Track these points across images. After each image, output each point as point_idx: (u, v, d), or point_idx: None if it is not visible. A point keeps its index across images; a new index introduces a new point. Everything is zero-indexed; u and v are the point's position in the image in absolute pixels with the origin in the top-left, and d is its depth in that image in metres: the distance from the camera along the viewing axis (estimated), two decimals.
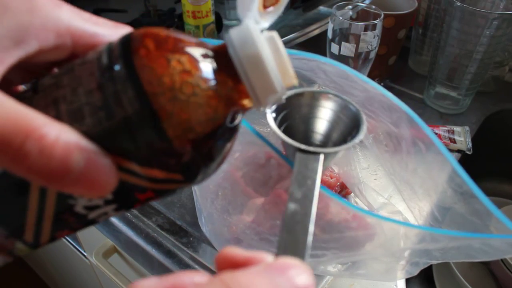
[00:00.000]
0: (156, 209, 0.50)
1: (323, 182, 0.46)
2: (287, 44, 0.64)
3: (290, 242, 0.18)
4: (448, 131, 0.62)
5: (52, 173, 0.15)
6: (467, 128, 0.63)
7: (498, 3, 0.61)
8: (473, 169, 0.74)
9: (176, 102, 0.16)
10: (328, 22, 0.60)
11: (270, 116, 0.26)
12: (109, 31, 0.20)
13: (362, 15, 0.62)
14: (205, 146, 0.18)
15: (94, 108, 0.16)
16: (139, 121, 0.16)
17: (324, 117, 0.28)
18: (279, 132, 0.25)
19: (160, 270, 0.47)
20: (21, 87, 0.20)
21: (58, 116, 0.16)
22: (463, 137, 0.61)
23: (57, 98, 0.17)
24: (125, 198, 0.19)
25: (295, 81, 0.19)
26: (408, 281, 0.50)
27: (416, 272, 0.34)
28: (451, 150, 0.60)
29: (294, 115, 0.28)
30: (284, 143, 0.25)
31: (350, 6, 0.60)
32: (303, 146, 0.24)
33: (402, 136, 0.35)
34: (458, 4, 0.57)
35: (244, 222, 0.36)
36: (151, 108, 0.16)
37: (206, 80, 0.17)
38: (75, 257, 0.91)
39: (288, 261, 0.15)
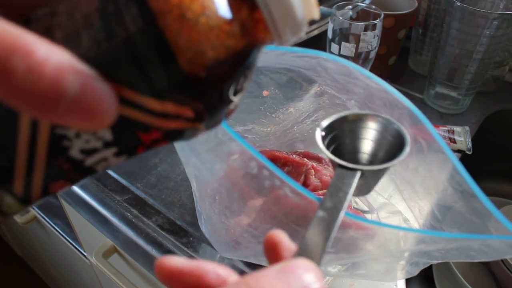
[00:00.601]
0: (156, 209, 0.50)
1: (323, 183, 0.46)
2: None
3: (311, 247, 0.19)
4: (448, 131, 0.62)
5: (42, 97, 0.13)
6: (467, 128, 0.63)
7: (498, 3, 0.61)
8: (473, 169, 0.74)
9: (184, 21, 0.15)
10: (328, 22, 0.60)
11: (319, 134, 0.27)
12: None
13: (362, 15, 0.62)
14: (218, 76, 0.16)
15: (92, 29, 0.15)
16: (143, 41, 0.15)
17: (369, 137, 0.29)
18: (323, 148, 0.27)
19: None
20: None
21: (54, 43, 0.14)
22: (463, 137, 0.61)
23: (52, 26, 0.15)
24: (126, 139, 0.17)
25: (316, 13, 0.18)
26: (408, 281, 0.50)
27: (416, 272, 0.34)
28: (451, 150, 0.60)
29: (343, 136, 0.29)
30: (330, 160, 0.27)
31: (350, 6, 0.60)
32: (341, 162, 0.25)
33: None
34: (458, 4, 0.57)
35: (242, 225, 0.36)
36: (156, 26, 0.14)
37: (217, 1, 0.15)
38: (75, 257, 0.91)
39: (305, 263, 0.16)
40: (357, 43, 0.57)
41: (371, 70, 0.63)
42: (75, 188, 0.54)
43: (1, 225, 1.38)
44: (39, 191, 0.17)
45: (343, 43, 0.58)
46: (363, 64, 0.60)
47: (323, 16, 0.64)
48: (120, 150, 0.17)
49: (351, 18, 0.61)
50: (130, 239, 0.48)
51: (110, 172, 0.55)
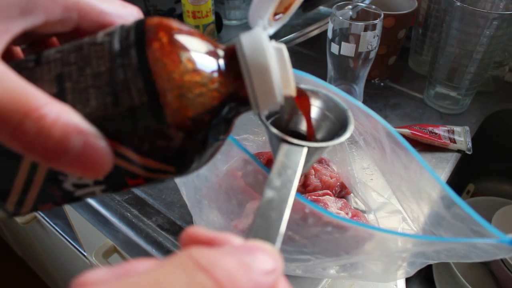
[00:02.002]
0: (156, 209, 0.50)
1: (323, 183, 0.46)
2: (287, 44, 0.64)
3: (263, 227, 0.18)
4: (448, 131, 0.62)
5: (48, 153, 0.15)
6: (467, 128, 0.63)
7: (498, 3, 0.61)
8: (473, 169, 0.75)
9: (183, 99, 0.17)
10: (328, 22, 0.60)
11: None
12: (116, 9, 0.20)
13: (362, 15, 0.62)
14: (200, 140, 0.18)
15: (100, 92, 0.16)
16: (144, 113, 0.16)
17: (312, 114, 0.29)
18: (266, 122, 0.26)
19: None
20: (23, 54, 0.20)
21: (61, 93, 0.16)
22: (463, 137, 0.61)
23: (62, 74, 0.17)
24: (115, 181, 0.19)
25: (293, 93, 0.20)
26: (408, 281, 0.50)
27: (413, 272, 0.34)
28: (451, 150, 0.60)
29: (284, 110, 0.29)
30: (269, 133, 0.26)
31: (350, 6, 0.60)
32: (288, 138, 0.24)
33: (383, 142, 0.35)
34: (458, 4, 0.57)
35: (234, 231, 0.36)
36: (158, 102, 0.16)
37: (212, 81, 0.18)
38: (75, 257, 0.91)
39: (258, 244, 0.15)
40: (357, 43, 0.57)
41: (371, 70, 0.64)
42: None
43: (1, 225, 1.38)
44: (28, 209, 0.20)
45: (343, 43, 0.58)
46: (363, 64, 0.60)
47: (323, 16, 0.64)
48: (107, 188, 0.19)
49: (351, 18, 0.61)
50: (130, 239, 0.48)
51: None
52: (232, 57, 0.19)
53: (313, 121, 0.29)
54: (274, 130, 0.25)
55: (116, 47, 0.17)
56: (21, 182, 0.18)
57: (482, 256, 0.28)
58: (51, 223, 0.92)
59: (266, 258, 0.14)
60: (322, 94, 0.29)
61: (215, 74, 0.18)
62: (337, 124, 0.28)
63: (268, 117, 0.27)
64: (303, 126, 0.29)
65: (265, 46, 0.18)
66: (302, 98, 0.27)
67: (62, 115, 0.15)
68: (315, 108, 0.29)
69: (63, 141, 0.15)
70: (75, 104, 0.16)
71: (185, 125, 0.17)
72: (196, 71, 0.17)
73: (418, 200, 0.35)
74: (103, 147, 0.16)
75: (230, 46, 0.19)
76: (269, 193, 0.20)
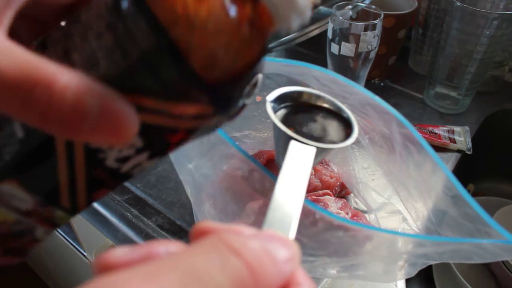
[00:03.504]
0: (156, 209, 0.50)
1: (323, 183, 0.46)
2: (287, 44, 0.64)
3: (277, 219, 0.18)
4: (448, 131, 0.62)
5: (66, 121, 0.14)
6: (467, 128, 0.63)
7: (498, 3, 0.61)
8: (473, 169, 0.75)
9: (194, 30, 0.15)
10: (328, 22, 0.60)
11: (269, 105, 0.27)
12: None
13: (362, 15, 0.62)
14: (230, 70, 0.16)
15: (107, 50, 0.15)
16: (157, 55, 0.15)
17: (318, 117, 0.30)
18: (276, 120, 0.26)
19: None
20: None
21: (72, 66, 0.15)
22: (463, 137, 0.61)
23: (68, 48, 0.16)
24: (156, 143, 0.18)
25: None
26: (408, 281, 0.50)
27: (414, 272, 0.34)
28: (451, 150, 0.60)
29: (293, 111, 0.29)
30: (279, 132, 0.26)
31: (350, 6, 0.60)
32: (298, 137, 0.24)
33: (395, 139, 0.35)
34: (458, 4, 0.57)
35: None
36: (168, 39, 0.15)
37: (221, 3, 0.16)
38: (75, 257, 0.91)
39: (274, 233, 0.15)
40: (357, 43, 0.57)
41: (371, 70, 0.64)
42: None
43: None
44: (84, 201, 0.19)
45: (343, 43, 0.58)
46: (363, 64, 0.60)
47: (323, 16, 0.64)
48: (152, 153, 0.18)
49: (351, 18, 0.61)
50: (130, 239, 0.48)
51: None
52: None
53: (320, 125, 0.29)
54: (285, 129, 0.25)
55: (111, 1, 0.16)
56: (64, 171, 0.17)
57: (486, 257, 0.28)
58: None
59: (284, 246, 0.15)
60: (327, 99, 0.29)
61: None
62: (342, 129, 0.29)
63: (278, 116, 0.28)
64: (312, 126, 0.30)
65: None
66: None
67: (73, 80, 0.14)
68: (322, 112, 0.29)
69: (78, 105, 0.14)
70: (86, 71, 0.15)
71: (206, 57, 0.15)
72: None
73: (426, 199, 0.35)
74: (122, 105, 0.15)
75: None
76: (279, 194, 0.20)
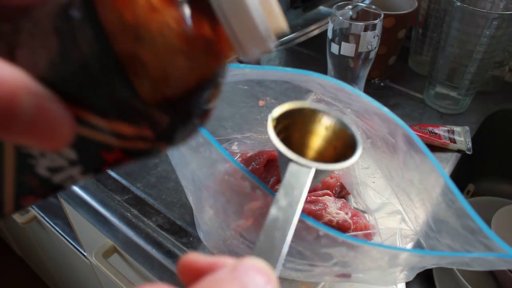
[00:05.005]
0: (156, 209, 0.50)
1: (323, 183, 0.46)
2: (287, 44, 0.64)
3: (266, 247, 0.19)
4: (448, 131, 0.62)
5: None
6: (467, 128, 0.63)
7: (498, 3, 0.61)
8: (473, 169, 0.75)
9: (140, 43, 0.14)
10: (328, 22, 0.60)
11: (270, 124, 0.26)
12: None
13: (362, 15, 0.62)
14: (178, 97, 0.15)
15: (49, 50, 0.14)
16: (98, 64, 0.14)
17: (320, 134, 0.29)
18: (275, 140, 0.26)
19: (160, 270, 0.47)
20: None
21: (14, 62, 0.14)
22: (463, 137, 0.61)
23: (14, 43, 0.15)
24: (91, 159, 0.17)
25: (283, 25, 0.16)
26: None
27: (412, 276, 0.35)
28: (451, 150, 0.60)
29: (293, 127, 0.28)
30: (278, 152, 0.25)
31: (350, 6, 0.60)
32: (297, 158, 0.24)
33: (399, 147, 0.35)
34: (458, 4, 0.57)
35: (238, 237, 0.36)
36: (110, 49, 0.14)
37: (177, 19, 0.15)
38: (75, 257, 0.91)
39: (257, 263, 0.16)
40: (357, 43, 0.57)
41: (371, 70, 0.64)
42: (75, 188, 0.54)
43: (1, 225, 1.37)
44: (11, 206, 0.18)
45: (343, 43, 0.58)
46: (363, 64, 0.60)
47: (323, 16, 0.64)
48: (85, 169, 0.17)
49: (351, 18, 0.61)
50: (130, 239, 0.48)
51: (110, 172, 0.55)
52: None
53: (322, 142, 0.29)
54: (283, 149, 0.25)
55: (62, 1, 0.14)
56: None
57: (485, 265, 0.28)
58: (51, 223, 0.92)
59: (258, 276, 0.15)
60: (332, 115, 0.28)
61: (181, 13, 0.15)
62: (345, 145, 0.28)
63: (277, 135, 0.27)
64: (312, 144, 0.29)
65: None
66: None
67: (8, 74, 0.13)
68: (324, 128, 0.29)
69: (11, 101, 0.13)
70: (28, 69, 0.14)
71: (150, 74, 0.14)
72: (153, 8, 0.14)
73: (427, 207, 0.35)
74: (58, 108, 0.14)
75: None
76: (274, 212, 0.20)
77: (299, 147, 0.28)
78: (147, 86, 0.14)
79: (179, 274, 0.16)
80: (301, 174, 0.23)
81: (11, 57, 0.15)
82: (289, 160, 0.24)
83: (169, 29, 0.14)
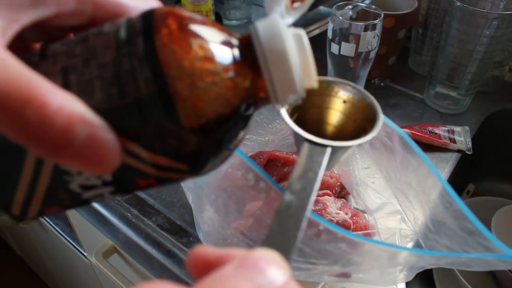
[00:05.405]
0: (156, 209, 0.50)
1: (323, 183, 0.46)
2: None
3: (279, 236, 0.17)
4: (448, 131, 0.62)
5: (51, 144, 0.14)
6: (467, 128, 0.63)
7: (498, 3, 0.61)
8: (473, 169, 0.75)
9: (194, 89, 0.16)
10: (328, 22, 0.60)
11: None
12: (134, 2, 0.19)
13: (362, 15, 0.62)
14: (215, 136, 0.17)
15: (106, 83, 0.15)
16: (152, 103, 0.15)
17: (337, 107, 0.27)
18: (289, 121, 0.24)
19: (160, 270, 0.47)
20: (36, 45, 0.19)
21: (65, 86, 0.15)
22: (463, 137, 0.61)
23: (67, 67, 0.16)
24: (124, 182, 0.18)
25: (315, 84, 0.18)
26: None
27: (412, 276, 0.35)
28: (451, 150, 0.60)
29: (308, 105, 0.27)
30: (293, 132, 0.24)
31: (350, 6, 0.60)
32: (310, 137, 0.23)
33: (396, 150, 0.35)
34: (458, 4, 0.57)
35: (238, 236, 0.36)
36: (166, 91, 0.15)
37: (226, 69, 0.16)
38: (75, 257, 0.91)
39: (267, 254, 0.15)
40: (357, 43, 0.57)
41: (371, 70, 0.64)
42: None
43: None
44: (34, 214, 0.19)
45: (343, 43, 0.58)
46: (363, 64, 0.60)
47: (323, 16, 0.64)
48: (116, 189, 0.18)
49: (351, 18, 0.61)
50: (130, 239, 0.48)
51: None
52: (248, 45, 0.17)
53: (341, 116, 0.27)
54: (296, 129, 0.23)
55: (123, 36, 0.16)
56: (26, 182, 0.17)
57: (484, 266, 0.28)
58: (51, 223, 0.92)
59: (269, 268, 0.14)
60: (350, 87, 0.27)
61: (229, 63, 0.17)
62: (364, 118, 0.26)
63: (291, 114, 0.25)
64: (330, 120, 0.27)
65: (283, 32, 0.17)
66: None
67: (66, 104, 0.14)
68: (342, 101, 0.27)
69: (67, 130, 0.14)
70: (80, 96, 0.15)
71: (198, 117, 0.16)
72: (208, 58, 0.16)
73: (425, 209, 0.35)
74: (109, 139, 0.15)
75: (245, 34, 0.18)
76: (288, 197, 0.19)
77: (317, 124, 0.27)
78: (192, 124, 0.16)
79: (189, 269, 0.16)
80: (315, 154, 0.22)
81: (65, 81, 0.16)
82: (303, 140, 0.23)
83: (219, 79, 0.16)
